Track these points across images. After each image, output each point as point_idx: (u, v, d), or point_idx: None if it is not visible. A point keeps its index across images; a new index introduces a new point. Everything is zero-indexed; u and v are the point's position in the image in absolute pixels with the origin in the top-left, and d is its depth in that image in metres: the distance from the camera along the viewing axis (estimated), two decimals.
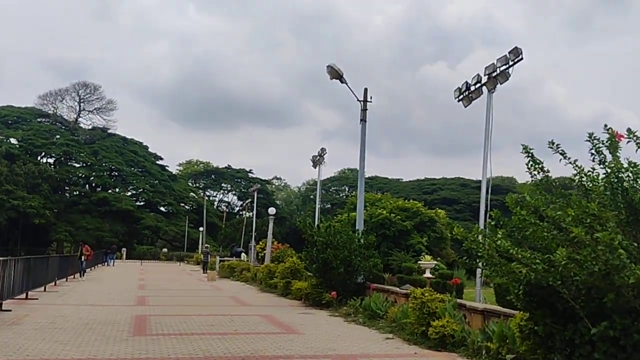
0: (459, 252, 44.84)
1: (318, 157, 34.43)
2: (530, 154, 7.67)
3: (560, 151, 7.67)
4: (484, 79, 15.95)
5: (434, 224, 43.80)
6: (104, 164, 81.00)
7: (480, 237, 7.55)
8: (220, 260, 44.89)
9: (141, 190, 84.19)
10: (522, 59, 14.76)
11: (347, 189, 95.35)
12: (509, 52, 15.03)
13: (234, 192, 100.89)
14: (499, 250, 7.06)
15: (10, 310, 14.38)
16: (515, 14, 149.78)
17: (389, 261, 35.66)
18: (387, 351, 10.74)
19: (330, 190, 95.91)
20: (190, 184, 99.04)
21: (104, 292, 22.63)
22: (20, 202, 64.96)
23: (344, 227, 20.64)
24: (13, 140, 77.07)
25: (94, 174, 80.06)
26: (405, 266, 27.18)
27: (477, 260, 7.66)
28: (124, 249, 69.14)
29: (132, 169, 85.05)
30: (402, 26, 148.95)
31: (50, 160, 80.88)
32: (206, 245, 53.82)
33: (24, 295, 17.66)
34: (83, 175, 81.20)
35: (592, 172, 7.30)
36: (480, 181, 16.58)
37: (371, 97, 20.77)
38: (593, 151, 7.26)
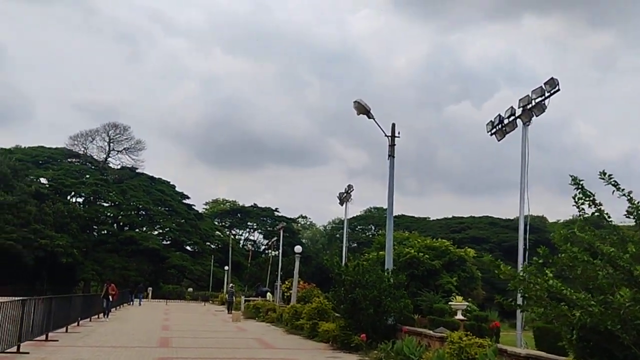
0: (490, 292, 43.64)
1: (345, 194, 33.90)
2: (580, 186, 7.06)
3: (613, 182, 7.09)
4: (518, 112, 15.42)
5: (464, 263, 42.63)
6: (131, 203, 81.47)
7: (527, 276, 6.90)
8: (245, 300, 44.21)
9: (168, 229, 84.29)
10: (558, 89, 14.20)
11: (373, 227, 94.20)
12: (545, 84, 14.48)
13: (259, 230, 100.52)
14: (550, 290, 6.40)
15: (28, 353, 13.93)
16: (539, 53, 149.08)
17: (418, 302, 34.56)
18: None
19: (357, 229, 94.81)
20: (216, 222, 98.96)
21: (127, 332, 22.14)
22: (49, 242, 65.16)
23: (372, 266, 20.02)
24: (43, 180, 78.05)
25: (121, 213, 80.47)
26: (437, 307, 26.19)
27: (524, 302, 7.03)
28: (150, 288, 68.87)
29: (159, 208, 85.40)
30: (425, 66, 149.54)
31: (80, 200, 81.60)
32: (231, 284, 53.19)
33: (43, 337, 17.22)
34: (111, 215, 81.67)
35: None
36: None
37: (399, 133, 20.42)
38: None
